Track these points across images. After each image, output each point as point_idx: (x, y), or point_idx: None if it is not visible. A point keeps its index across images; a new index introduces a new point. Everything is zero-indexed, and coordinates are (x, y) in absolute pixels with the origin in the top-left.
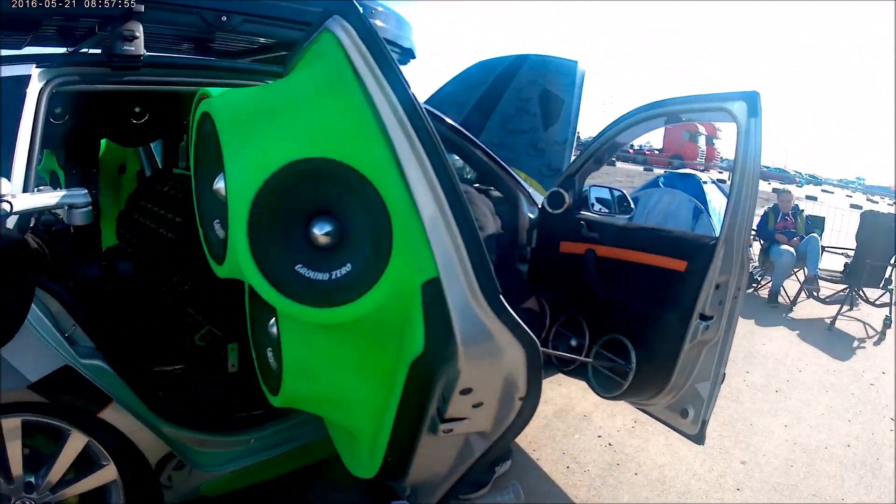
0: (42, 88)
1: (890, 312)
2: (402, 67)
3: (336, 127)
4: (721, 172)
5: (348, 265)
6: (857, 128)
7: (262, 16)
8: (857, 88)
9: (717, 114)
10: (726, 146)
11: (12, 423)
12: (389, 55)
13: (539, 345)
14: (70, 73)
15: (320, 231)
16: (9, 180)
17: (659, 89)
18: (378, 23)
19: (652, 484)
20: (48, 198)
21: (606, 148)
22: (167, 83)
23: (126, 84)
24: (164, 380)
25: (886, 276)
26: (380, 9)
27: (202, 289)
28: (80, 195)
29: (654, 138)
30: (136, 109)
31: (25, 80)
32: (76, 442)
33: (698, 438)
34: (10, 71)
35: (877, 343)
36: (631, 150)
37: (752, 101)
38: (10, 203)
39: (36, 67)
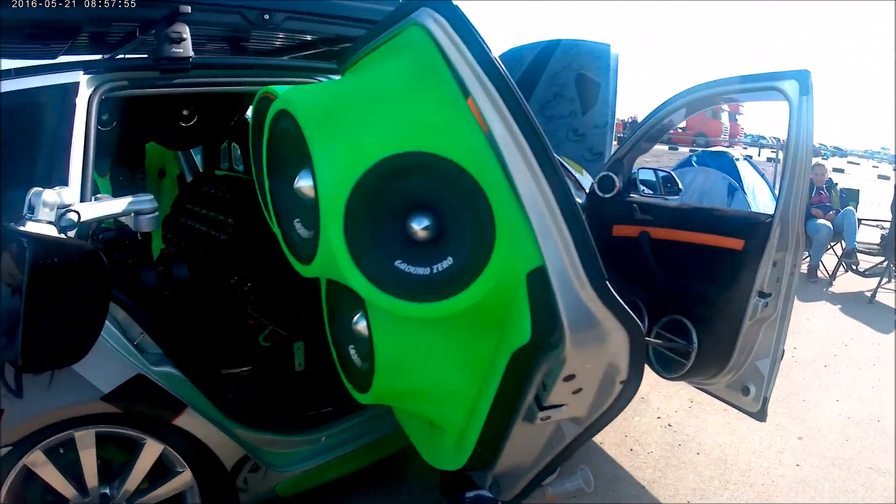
0: (91, 95)
1: None
2: None
3: (430, 120)
4: (746, 148)
5: (449, 258)
6: (879, 97)
7: (304, 13)
8: (877, 58)
9: (769, 93)
10: (749, 122)
11: (86, 435)
12: (485, 44)
13: (643, 329)
14: (118, 79)
15: (419, 226)
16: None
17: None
18: None
19: (715, 463)
20: (115, 205)
21: (656, 130)
22: (217, 84)
23: (175, 87)
24: (233, 382)
25: None
26: None
27: (261, 289)
28: (147, 201)
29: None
30: (185, 112)
31: (73, 87)
32: (151, 451)
33: (760, 415)
34: (55, 79)
35: None
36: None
37: (803, 79)
38: (76, 213)
39: (84, 74)
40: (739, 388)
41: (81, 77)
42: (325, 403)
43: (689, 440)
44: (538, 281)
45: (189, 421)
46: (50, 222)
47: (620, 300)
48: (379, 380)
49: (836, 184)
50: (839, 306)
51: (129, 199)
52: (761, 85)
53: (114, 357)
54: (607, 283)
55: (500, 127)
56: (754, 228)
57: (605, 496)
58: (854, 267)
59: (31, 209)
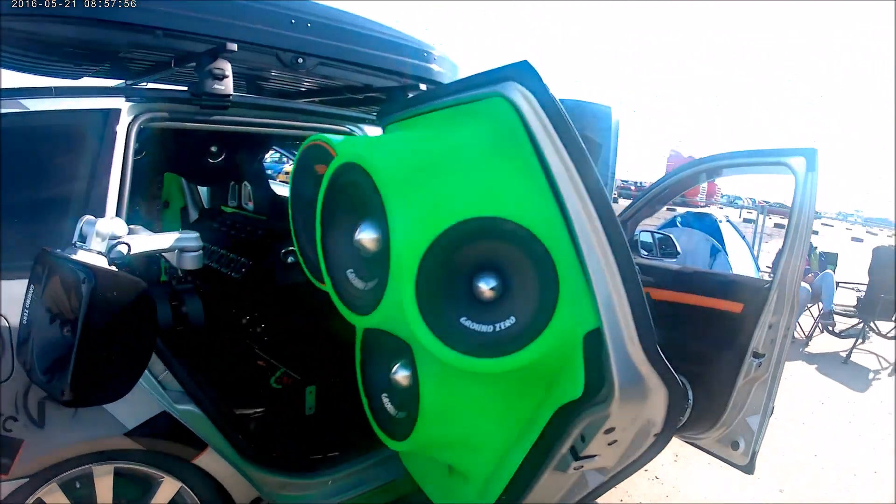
0: (131, 123)
1: None
2: None
3: (507, 187)
4: (722, 208)
5: (512, 318)
6: (853, 160)
7: (338, 59)
8: (852, 122)
9: (777, 167)
10: (725, 182)
11: (105, 471)
12: (569, 122)
13: (684, 388)
14: (158, 109)
15: (486, 286)
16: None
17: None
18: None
19: None
20: (162, 241)
21: (662, 195)
22: (252, 124)
23: (212, 123)
24: (246, 423)
25: None
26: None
27: (273, 331)
28: (193, 238)
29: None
30: (213, 148)
31: (115, 113)
32: (168, 489)
33: (749, 468)
34: (96, 103)
35: (891, 374)
36: (633, 188)
37: (810, 156)
38: (127, 245)
39: (126, 101)
40: (729, 442)
41: (123, 104)
42: (333, 447)
43: (675, 492)
44: (594, 341)
45: (208, 460)
46: (101, 253)
47: (667, 362)
48: (421, 428)
49: (816, 247)
50: (815, 366)
51: (175, 234)
52: (770, 160)
53: (140, 393)
54: (657, 346)
55: (575, 202)
56: (754, 293)
57: None
58: (830, 328)
59: (83, 238)
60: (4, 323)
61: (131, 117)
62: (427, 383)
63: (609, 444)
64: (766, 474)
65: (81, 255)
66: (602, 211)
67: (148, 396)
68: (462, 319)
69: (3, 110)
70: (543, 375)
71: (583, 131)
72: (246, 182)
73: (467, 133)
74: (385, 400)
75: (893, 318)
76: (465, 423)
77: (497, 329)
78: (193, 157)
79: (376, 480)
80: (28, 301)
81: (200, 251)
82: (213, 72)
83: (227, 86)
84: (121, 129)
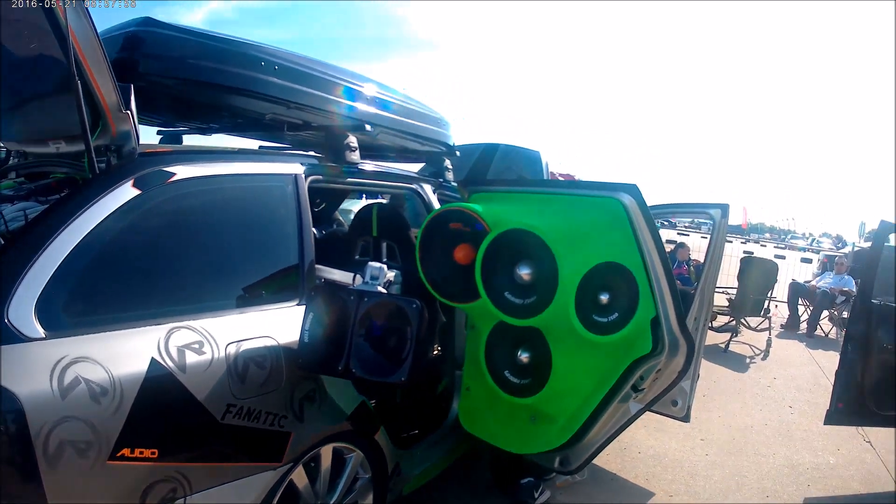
0: (308, 185)
1: (769, 335)
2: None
3: (618, 245)
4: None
5: (616, 314)
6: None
7: (394, 129)
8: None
9: (699, 214)
10: None
11: (328, 451)
12: (651, 216)
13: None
14: (317, 173)
15: (605, 298)
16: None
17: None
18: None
19: (652, 458)
20: (392, 276)
21: None
22: (363, 185)
23: (344, 185)
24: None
25: (766, 305)
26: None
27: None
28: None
29: None
30: (317, 200)
31: (300, 177)
32: (355, 460)
33: (686, 418)
34: (283, 168)
35: (763, 359)
36: None
37: (724, 209)
38: (389, 282)
39: (300, 165)
40: (670, 402)
41: (299, 168)
42: (429, 425)
43: (631, 445)
44: (655, 321)
45: (379, 437)
46: (384, 288)
47: (688, 330)
48: (550, 385)
49: (694, 260)
50: (703, 355)
51: (393, 272)
52: (696, 210)
53: (349, 385)
54: (686, 322)
55: (648, 252)
56: (684, 296)
57: (587, 483)
58: (710, 324)
59: (374, 278)
60: (275, 342)
61: (306, 179)
62: (558, 355)
63: (654, 381)
64: (687, 430)
65: (379, 289)
66: (661, 256)
67: (351, 387)
68: (594, 316)
69: (231, 172)
70: (625, 344)
71: (520, 172)
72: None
73: (595, 215)
74: (507, 374)
75: (762, 314)
76: (572, 379)
77: (609, 320)
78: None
79: (448, 443)
80: (307, 323)
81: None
82: (350, 145)
83: (357, 155)
84: (303, 189)
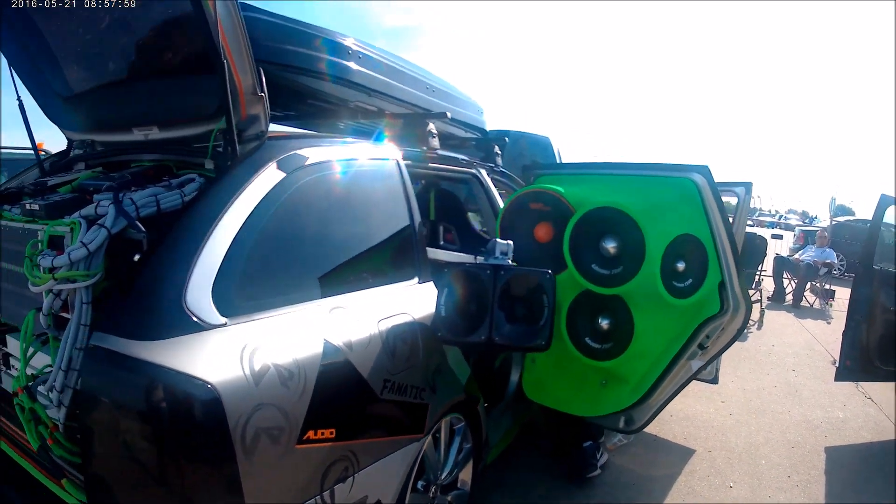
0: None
1: (762, 305)
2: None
3: (691, 219)
4: None
5: (690, 279)
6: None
7: (456, 121)
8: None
9: (727, 193)
10: None
11: (446, 421)
12: (720, 198)
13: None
14: (410, 158)
15: (681, 266)
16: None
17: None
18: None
19: (684, 420)
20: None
21: None
22: (439, 169)
23: (426, 169)
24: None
25: (756, 279)
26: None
27: None
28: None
29: None
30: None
31: (399, 161)
32: (464, 430)
33: (714, 380)
34: (385, 153)
35: (758, 328)
36: None
37: (748, 186)
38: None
39: (398, 151)
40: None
41: (399, 153)
42: (498, 398)
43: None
44: (721, 284)
45: (479, 407)
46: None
47: (748, 292)
48: (632, 348)
49: None
50: None
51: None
52: (724, 188)
53: (461, 357)
54: (746, 287)
55: (716, 224)
56: None
57: (633, 445)
58: None
59: (504, 253)
60: (411, 317)
61: (405, 163)
62: (640, 320)
63: (717, 338)
64: (709, 394)
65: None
66: (727, 228)
67: (464, 361)
68: (673, 282)
69: (349, 155)
70: (697, 306)
71: (533, 158)
72: None
73: (670, 193)
74: (588, 341)
75: (752, 286)
76: (651, 341)
77: (685, 285)
78: None
79: (509, 417)
80: (443, 298)
81: None
82: (431, 132)
83: (437, 143)
84: (405, 170)
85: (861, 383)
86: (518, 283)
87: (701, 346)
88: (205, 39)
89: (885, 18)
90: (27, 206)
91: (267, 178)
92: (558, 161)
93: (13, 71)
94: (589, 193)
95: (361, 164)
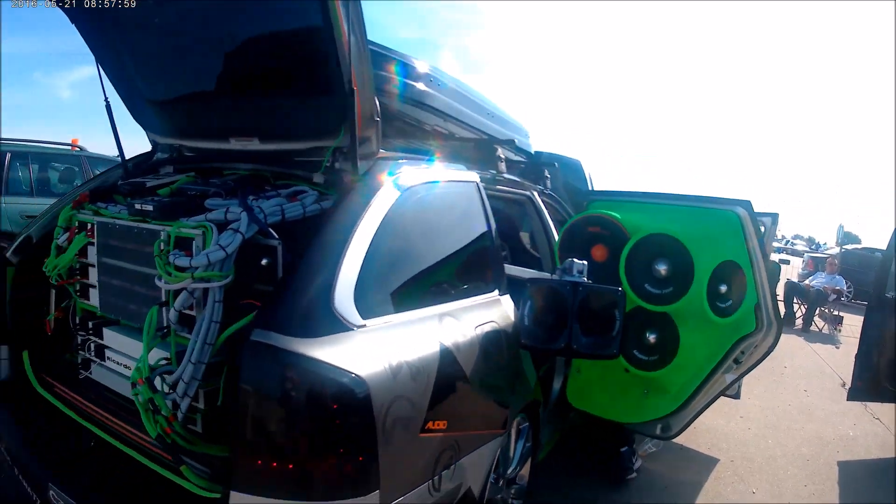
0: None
1: None
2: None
3: (734, 247)
4: None
5: (730, 301)
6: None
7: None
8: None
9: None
10: None
11: (517, 422)
12: (758, 226)
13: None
14: (485, 182)
15: (723, 288)
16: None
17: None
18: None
19: (708, 432)
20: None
21: None
22: (502, 191)
23: (494, 192)
24: None
25: None
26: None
27: None
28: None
29: None
30: None
31: (478, 184)
32: (528, 431)
33: (737, 396)
34: (468, 176)
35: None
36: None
37: (774, 217)
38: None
39: (475, 173)
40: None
41: (476, 176)
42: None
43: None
44: (758, 306)
45: (540, 409)
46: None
47: (780, 312)
48: (677, 359)
49: None
50: None
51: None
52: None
53: (531, 363)
54: (780, 306)
55: (753, 251)
56: None
57: (662, 452)
58: None
59: (580, 272)
60: (497, 325)
61: (482, 185)
62: (686, 335)
63: (750, 355)
64: (727, 410)
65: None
66: (763, 252)
67: (532, 366)
68: (717, 302)
69: (439, 178)
70: (735, 324)
71: (565, 179)
72: None
73: (716, 223)
74: (636, 353)
75: None
76: (693, 355)
77: (726, 305)
78: None
79: (553, 421)
80: (526, 309)
81: None
82: (500, 157)
83: (504, 167)
84: (483, 191)
85: (869, 404)
86: (594, 299)
87: (736, 361)
88: (336, 68)
89: (885, 18)
90: (136, 206)
91: (387, 195)
92: (589, 184)
93: (101, 71)
94: (643, 220)
95: (451, 185)
